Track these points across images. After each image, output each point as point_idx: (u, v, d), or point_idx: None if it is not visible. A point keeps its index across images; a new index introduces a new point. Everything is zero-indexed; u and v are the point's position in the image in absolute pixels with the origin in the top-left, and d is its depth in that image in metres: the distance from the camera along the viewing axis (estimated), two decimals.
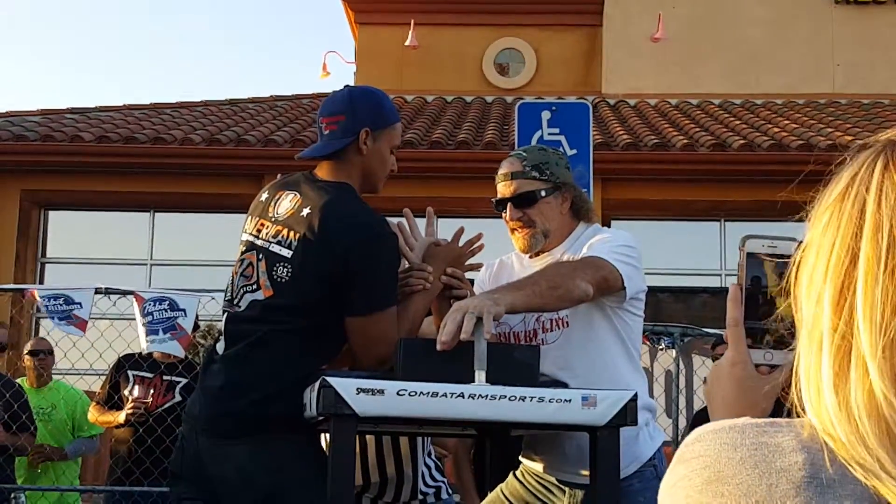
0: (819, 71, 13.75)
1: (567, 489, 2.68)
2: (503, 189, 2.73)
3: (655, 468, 2.69)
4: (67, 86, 44.66)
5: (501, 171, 2.76)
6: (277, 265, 2.51)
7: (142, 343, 5.35)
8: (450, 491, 3.47)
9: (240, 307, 2.58)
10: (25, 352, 6.07)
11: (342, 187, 2.59)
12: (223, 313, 2.67)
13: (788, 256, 1.19)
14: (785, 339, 1.17)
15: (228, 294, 2.66)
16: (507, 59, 14.63)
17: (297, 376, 2.46)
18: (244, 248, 2.65)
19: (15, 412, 5.41)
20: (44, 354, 5.99)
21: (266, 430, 2.46)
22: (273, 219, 2.59)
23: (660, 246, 11.09)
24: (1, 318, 7.33)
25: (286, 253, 2.51)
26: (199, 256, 11.44)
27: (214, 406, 2.52)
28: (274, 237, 2.56)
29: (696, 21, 13.85)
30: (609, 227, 11.02)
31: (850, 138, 10.96)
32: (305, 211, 2.52)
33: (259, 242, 2.60)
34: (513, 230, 2.75)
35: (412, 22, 13.48)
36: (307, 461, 2.48)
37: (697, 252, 11.20)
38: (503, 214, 2.76)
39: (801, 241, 1.05)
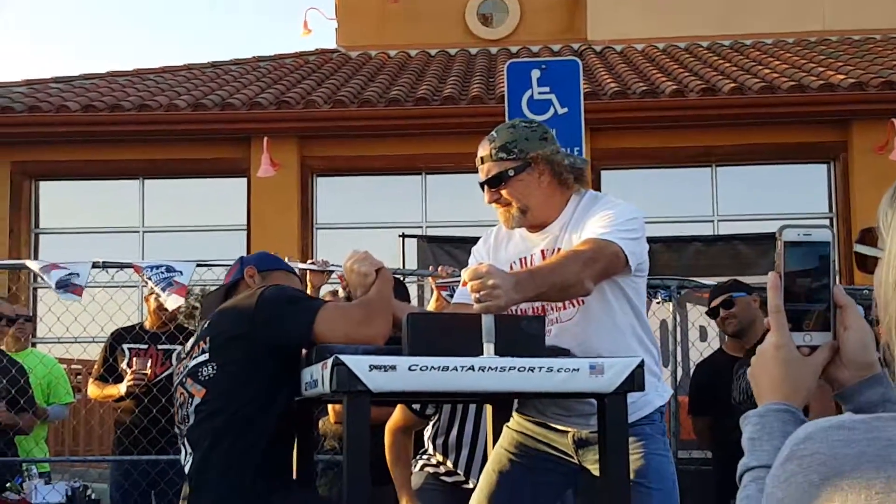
0: (809, 7, 13.64)
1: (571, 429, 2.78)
2: (480, 174, 2.80)
3: (662, 415, 2.81)
4: (51, 54, 44.12)
5: (478, 156, 2.82)
6: (200, 370, 2.76)
7: (166, 303, 5.41)
8: None
9: (191, 420, 2.80)
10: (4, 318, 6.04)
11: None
12: (182, 439, 2.88)
13: (824, 243, 1.25)
14: (823, 322, 1.23)
15: (180, 426, 2.87)
16: (490, 9, 14.50)
17: (269, 432, 2.70)
18: (176, 391, 2.92)
19: (19, 391, 5.42)
20: (23, 320, 5.99)
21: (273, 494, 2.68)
22: (185, 351, 2.93)
23: (651, 195, 11.11)
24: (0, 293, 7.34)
25: (203, 357, 2.77)
26: (190, 222, 11.43)
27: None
28: (189, 356, 2.85)
29: None
30: (600, 178, 11.04)
31: (841, 77, 10.94)
32: (204, 325, 2.86)
33: (180, 371, 2.88)
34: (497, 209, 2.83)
35: None
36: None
37: (689, 199, 11.22)
38: None
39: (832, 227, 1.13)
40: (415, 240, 7.78)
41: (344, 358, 2.31)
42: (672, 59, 12.80)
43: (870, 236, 1.12)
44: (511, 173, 2.71)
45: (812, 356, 1.23)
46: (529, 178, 2.72)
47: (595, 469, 2.65)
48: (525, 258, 2.78)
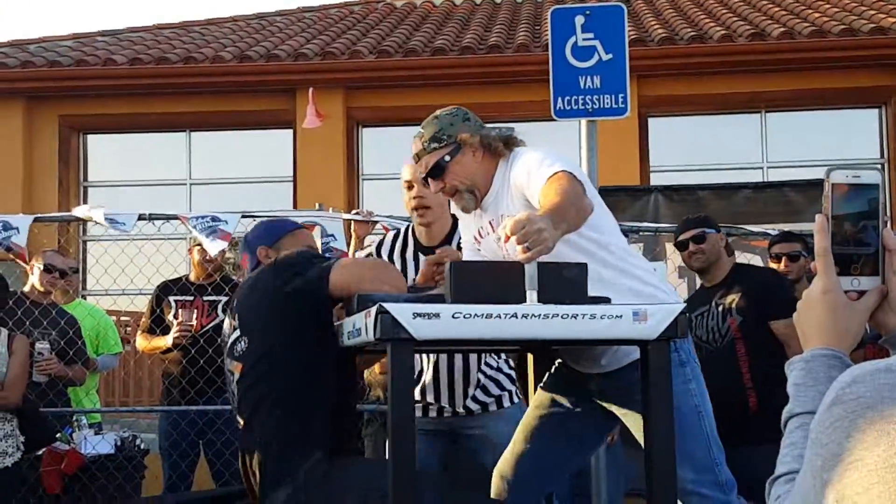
0: None
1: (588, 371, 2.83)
2: (420, 170, 2.88)
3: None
4: (97, 7, 44.32)
5: (412, 155, 2.90)
6: (234, 346, 2.88)
7: (208, 247, 5.47)
8: (515, 399, 3.53)
9: (236, 395, 2.91)
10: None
11: None
12: (235, 415, 3.00)
13: (873, 185, 1.20)
14: (872, 266, 1.19)
15: (232, 403, 2.99)
16: None
17: (312, 395, 2.76)
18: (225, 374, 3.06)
19: (68, 342, 5.50)
20: (70, 272, 6.05)
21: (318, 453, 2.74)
22: (224, 333, 3.05)
23: (699, 142, 10.94)
24: (49, 246, 7.44)
25: (236, 334, 2.88)
26: (237, 174, 11.50)
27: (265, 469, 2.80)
28: (227, 336, 2.98)
29: None
30: (647, 125, 10.89)
31: (893, 20, 10.65)
32: (233, 304, 3.01)
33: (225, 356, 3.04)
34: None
35: None
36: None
37: (738, 146, 11.03)
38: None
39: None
40: None
41: (388, 306, 2.30)
42: (721, 4, 12.54)
43: None
44: (447, 158, 2.81)
45: (860, 301, 1.20)
46: (465, 158, 2.81)
47: (616, 410, 2.76)
48: (480, 230, 2.88)
